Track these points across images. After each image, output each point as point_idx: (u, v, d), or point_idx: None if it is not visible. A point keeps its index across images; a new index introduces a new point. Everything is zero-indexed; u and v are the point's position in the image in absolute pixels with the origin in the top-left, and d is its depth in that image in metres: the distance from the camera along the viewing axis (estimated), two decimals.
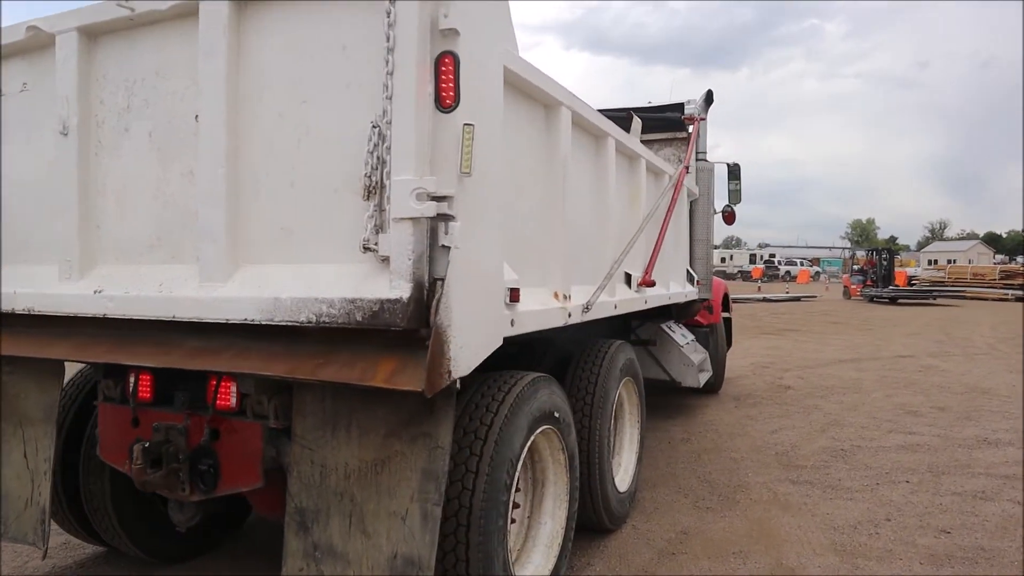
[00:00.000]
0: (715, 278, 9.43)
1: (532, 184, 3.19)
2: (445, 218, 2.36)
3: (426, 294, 2.33)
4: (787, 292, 33.25)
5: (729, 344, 9.93)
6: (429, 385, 2.23)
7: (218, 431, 2.94)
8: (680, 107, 7.02)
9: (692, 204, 7.13)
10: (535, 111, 3.20)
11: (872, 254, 31.62)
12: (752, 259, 61.61)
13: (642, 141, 7.22)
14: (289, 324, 2.50)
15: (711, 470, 5.67)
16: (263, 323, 2.54)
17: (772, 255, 64.03)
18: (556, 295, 3.33)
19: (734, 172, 8.02)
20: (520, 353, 4.27)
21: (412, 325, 2.31)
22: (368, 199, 2.41)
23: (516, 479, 2.89)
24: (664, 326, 7.42)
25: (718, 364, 8.75)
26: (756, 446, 6.41)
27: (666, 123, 7.04)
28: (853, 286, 31.02)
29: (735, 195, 8.01)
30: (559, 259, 3.35)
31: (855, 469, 5.72)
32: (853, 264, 35.28)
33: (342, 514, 2.51)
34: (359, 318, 2.38)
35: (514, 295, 2.76)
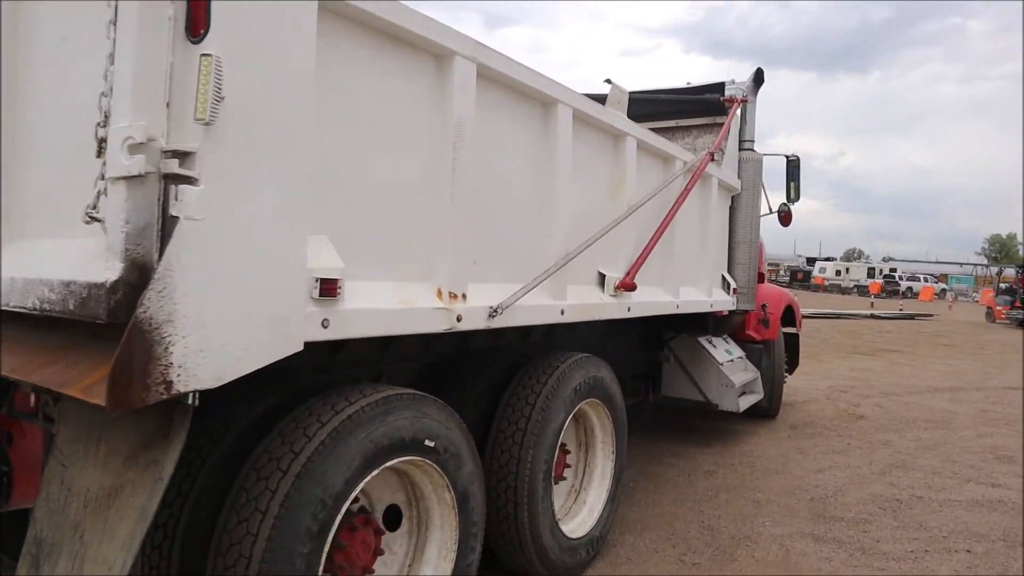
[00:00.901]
0: (779, 289, 8.30)
1: (400, 150, 2.49)
2: (180, 180, 1.74)
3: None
4: (900, 309, 30.19)
5: (795, 364, 8.72)
6: (115, 398, 1.62)
7: (12, 435, 2.47)
8: (721, 87, 6.05)
9: (734, 201, 6.14)
10: (402, 55, 2.49)
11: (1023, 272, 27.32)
12: (871, 273, 56.91)
13: (678, 127, 6.36)
14: (17, 310, 1.97)
15: (722, 514, 4.71)
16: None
17: (893, 269, 58.78)
18: (440, 293, 2.62)
19: (793, 167, 6.91)
20: (462, 363, 3.60)
21: (118, 319, 1.70)
22: (99, 156, 1.83)
23: (335, 521, 2.21)
24: (702, 340, 6.47)
25: (774, 386, 7.63)
26: (791, 488, 5.35)
27: (705, 106, 6.09)
28: (998, 307, 27.13)
29: (793, 193, 6.90)
30: (447, 249, 2.63)
31: (904, 528, 4.58)
32: (999, 282, 30.61)
33: (70, 554, 1.94)
34: (71, 306, 1.80)
35: (329, 288, 2.09)
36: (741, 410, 6.37)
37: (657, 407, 6.74)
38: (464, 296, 2.71)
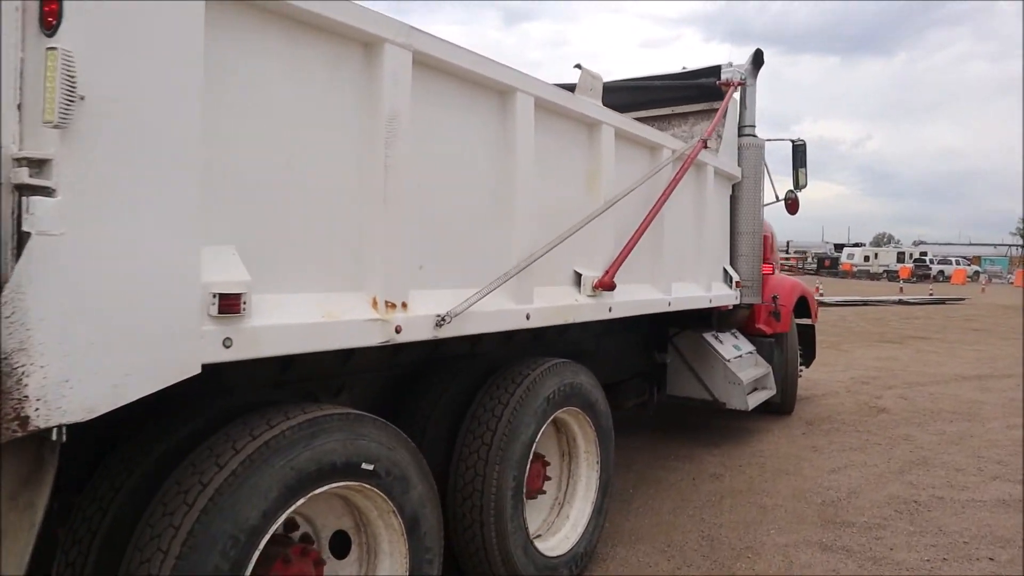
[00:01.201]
0: (792, 279, 7.96)
1: (323, 148, 2.26)
2: (34, 191, 1.55)
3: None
4: (931, 293, 29.29)
5: (812, 357, 8.36)
6: None
7: None
8: (717, 70, 5.74)
9: (734, 190, 5.84)
10: (324, 44, 2.26)
11: None
12: (900, 258, 55.49)
13: (674, 115, 6.07)
14: None
15: (724, 522, 4.44)
16: None
17: (923, 253, 57.26)
18: (375, 303, 2.40)
19: (799, 152, 6.57)
20: (434, 372, 3.39)
21: None
22: None
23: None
24: (707, 336, 6.18)
25: (787, 382, 7.29)
26: (801, 490, 5.05)
27: (701, 91, 5.80)
28: None
29: (800, 179, 6.56)
30: (381, 254, 2.41)
31: (921, 533, 4.27)
32: None
33: None
34: None
35: (229, 303, 1.88)
36: (750, 408, 6.07)
37: (666, 406, 6.46)
38: (404, 305, 2.49)
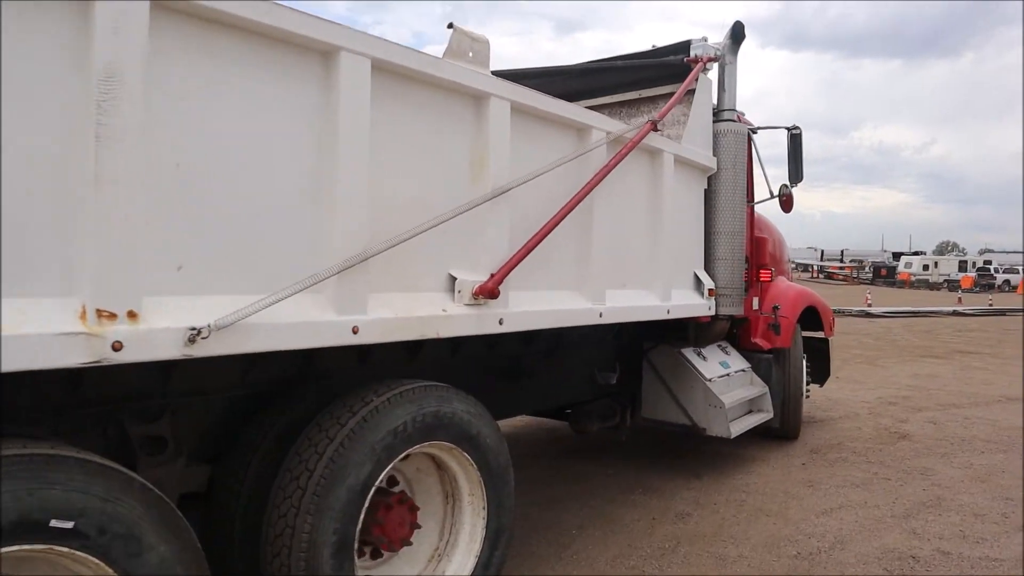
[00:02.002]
0: (799, 287, 7.10)
1: (12, 118, 1.71)
2: None
3: None
4: (990, 304, 27.26)
5: (826, 375, 7.45)
6: None
7: None
8: (686, 46, 5.00)
9: (711, 183, 5.07)
10: None
11: None
12: (962, 266, 52.39)
13: (641, 99, 5.35)
14: None
15: None
16: None
17: (988, 262, 53.99)
18: (84, 312, 1.82)
19: (795, 142, 5.75)
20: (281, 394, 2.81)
21: None
22: None
23: None
24: (686, 352, 5.43)
25: (789, 404, 6.43)
26: (777, 538, 4.24)
27: (669, 71, 5.06)
28: None
29: (794, 173, 5.74)
30: (93, 250, 1.83)
31: None
32: None
33: None
34: None
35: None
36: (732, 436, 5.27)
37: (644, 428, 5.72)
38: (133, 314, 1.89)
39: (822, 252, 71.23)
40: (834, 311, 22.34)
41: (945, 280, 49.50)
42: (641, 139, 3.93)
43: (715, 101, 5.14)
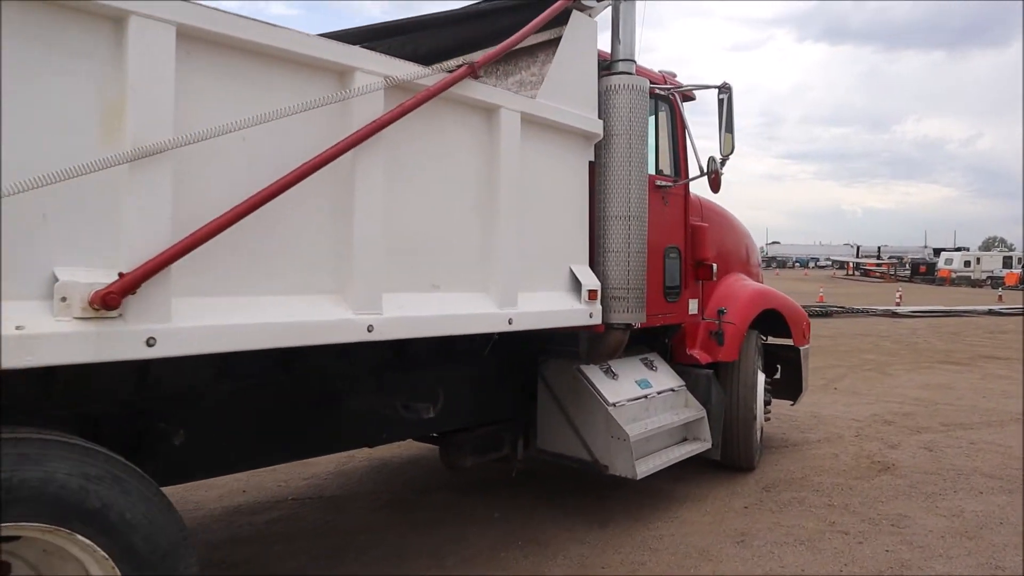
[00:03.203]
0: (758, 286, 5.84)
1: None
2: None
3: None
4: None
5: (798, 391, 6.17)
6: None
7: None
8: None
9: (599, 154, 3.90)
10: None
11: None
12: (1007, 263, 49.24)
13: (521, 51, 4.20)
14: None
15: None
16: None
17: None
18: None
19: (726, 104, 4.52)
20: None
21: None
22: None
23: None
24: (586, 368, 4.29)
25: (737, 429, 5.21)
26: None
27: (534, 13, 3.87)
28: None
29: (725, 143, 4.51)
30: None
31: None
32: None
33: None
34: None
35: None
36: (639, 476, 4.11)
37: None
38: None
39: (858, 248, 68.16)
40: (858, 310, 20.80)
41: (988, 277, 46.58)
42: (446, 88, 2.81)
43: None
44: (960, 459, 5.75)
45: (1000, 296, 29.18)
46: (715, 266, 5.08)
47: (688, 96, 5.03)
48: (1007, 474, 5.33)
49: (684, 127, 4.81)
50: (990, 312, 21.30)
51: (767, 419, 5.55)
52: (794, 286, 37.75)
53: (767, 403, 5.54)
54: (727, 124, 4.45)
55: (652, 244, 4.58)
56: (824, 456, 5.86)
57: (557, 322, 3.55)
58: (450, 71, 2.96)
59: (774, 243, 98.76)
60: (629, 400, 4.37)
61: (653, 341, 5.05)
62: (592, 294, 3.70)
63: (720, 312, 5.14)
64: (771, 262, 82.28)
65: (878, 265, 57.37)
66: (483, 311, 3.14)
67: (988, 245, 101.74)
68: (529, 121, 3.35)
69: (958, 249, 61.00)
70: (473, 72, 2.94)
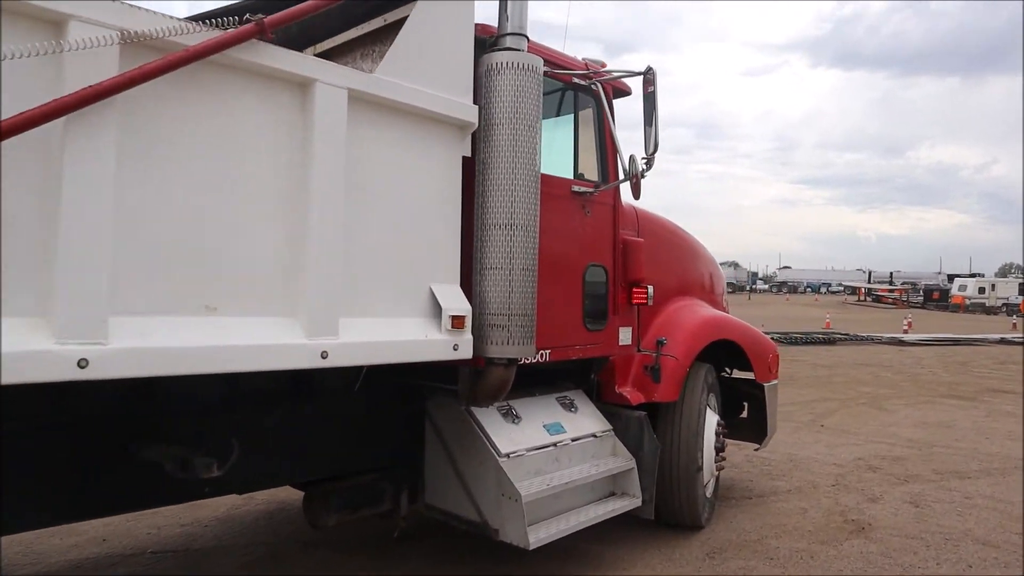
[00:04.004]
0: (706, 313, 5.02)
1: None
2: None
3: None
4: None
5: (762, 434, 5.32)
6: None
7: None
8: None
9: (477, 148, 3.13)
10: None
11: None
12: (1023, 289, 47.62)
13: (370, 35, 3.46)
14: None
15: None
16: None
17: None
18: None
19: (650, 97, 3.74)
20: None
21: None
22: None
23: None
24: (477, 411, 3.51)
25: (677, 482, 4.36)
26: None
27: None
28: None
29: (649, 139, 3.72)
30: None
31: None
32: None
33: None
34: None
35: None
36: (532, 546, 3.28)
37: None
38: None
39: (870, 274, 66.52)
40: (862, 338, 19.71)
41: (1004, 304, 45.04)
42: (216, 50, 2.08)
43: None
44: (950, 518, 4.84)
45: (1015, 324, 27.89)
46: (650, 288, 4.27)
47: (622, 90, 4.29)
48: (1004, 540, 4.42)
49: (611, 125, 4.04)
50: (1002, 340, 20.14)
51: (720, 467, 4.69)
52: (802, 312, 36.57)
53: (719, 449, 4.68)
54: (651, 117, 3.68)
55: (568, 261, 3.83)
56: (790, 512, 4.97)
57: (402, 356, 2.76)
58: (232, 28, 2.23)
59: (785, 267, 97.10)
60: (531, 449, 3.57)
61: (581, 377, 4.25)
62: (457, 321, 2.91)
63: (659, 343, 4.33)
64: (782, 287, 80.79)
65: (891, 291, 55.88)
66: (282, 341, 2.36)
67: (1004, 272, 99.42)
68: (364, 101, 2.61)
69: (973, 275, 59.37)
70: (262, 31, 2.20)
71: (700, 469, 4.40)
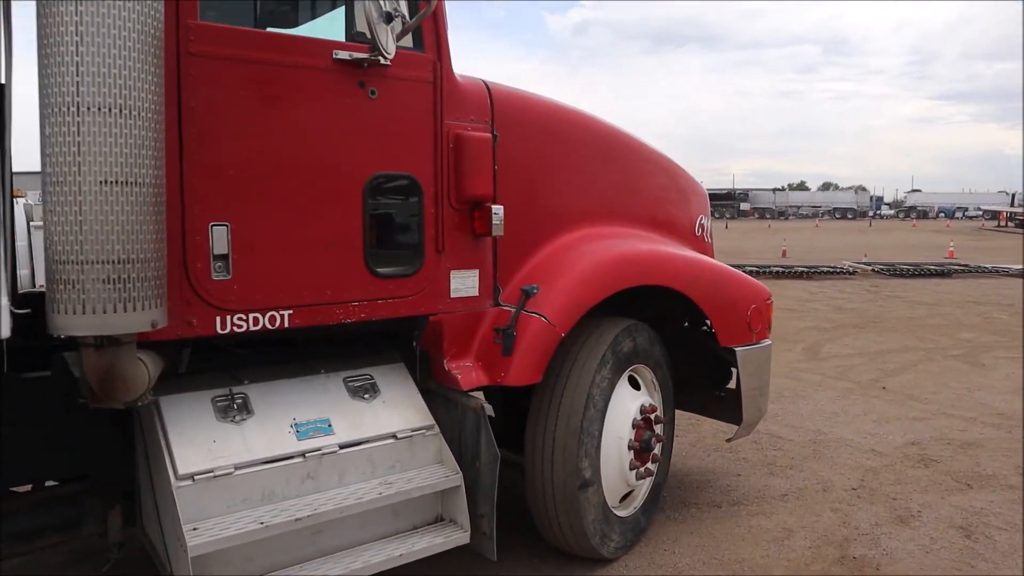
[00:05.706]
0: (627, 248, 3.39)
1: None
2: None
3: None
4: None
5: (738, 415, 3.67)
6: None
7: None
8: None
9: None
10: None
11: None
12: None
13: None
14: None
15: None
16: None
17: None
18: None
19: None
20: None
21: None
22: None
23: None
24: (171, 399, 2.23)
25: (552, 500, 2.89)
26: None
27: None
28: None
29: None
30: None
31: None
32: None
33: None
34: None
35: None
36: None
37: None
38: None
39: (1013, 196, 57.65)
40: (987, 270, 16.65)
41: None
42: None
43: None
44: (1013, 566, 3.06)
45: None
46: (499, 209, 2.70)
47: None
48: None
49: None
50: None
51: (646, 474, 3.15)
52: (926, 239, 31.93)
53: (644, 449, 3.12)
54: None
55: (328, 169, 2.38)
56: (763, 537, 3.37)
57: None
58: None
59: (915, 191, 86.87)
60: (249, 465, 2.25)
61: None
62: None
63: (525, 294, 2.79)
64: (910, 212, 72.28)
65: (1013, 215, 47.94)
66: None
67: None
68: None
69: None
70: None
71: (588, 484, 2.88)
